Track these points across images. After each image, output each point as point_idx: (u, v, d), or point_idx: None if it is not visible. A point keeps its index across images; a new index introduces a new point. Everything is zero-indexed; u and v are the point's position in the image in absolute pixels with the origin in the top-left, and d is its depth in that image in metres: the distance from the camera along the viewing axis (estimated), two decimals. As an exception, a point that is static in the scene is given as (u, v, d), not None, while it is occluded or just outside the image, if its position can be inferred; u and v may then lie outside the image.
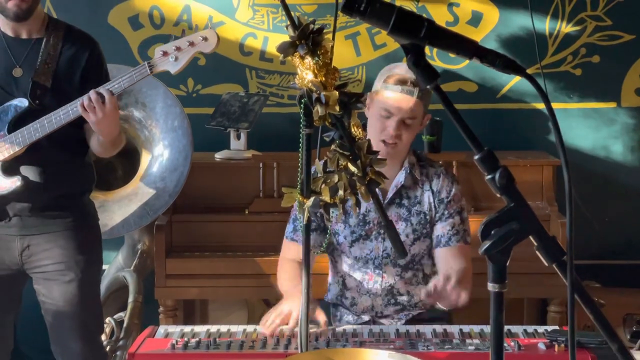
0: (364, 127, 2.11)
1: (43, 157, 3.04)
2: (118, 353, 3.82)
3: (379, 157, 2.02)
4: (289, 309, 2.68)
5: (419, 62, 1.42)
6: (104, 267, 3.68)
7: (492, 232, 1.42)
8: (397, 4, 4.46)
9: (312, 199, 1.99)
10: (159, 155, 3.93)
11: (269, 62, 4.45)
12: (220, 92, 4.35)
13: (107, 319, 3.84)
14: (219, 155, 4.16)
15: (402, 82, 2.86)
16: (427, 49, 1.44)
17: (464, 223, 2.98)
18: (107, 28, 4.40)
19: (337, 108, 1.92)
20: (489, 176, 1.42)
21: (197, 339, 2.57)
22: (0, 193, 3.01)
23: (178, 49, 2.87)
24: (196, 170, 3.94)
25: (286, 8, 1.96)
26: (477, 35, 4.38)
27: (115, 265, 4.22)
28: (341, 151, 1.98)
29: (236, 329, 2.71)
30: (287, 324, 2.66)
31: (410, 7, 4.38)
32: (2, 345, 3.23)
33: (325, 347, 2.52)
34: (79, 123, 3.04)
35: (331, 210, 2.01)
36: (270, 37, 4.42)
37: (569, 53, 4.44)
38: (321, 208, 1.99)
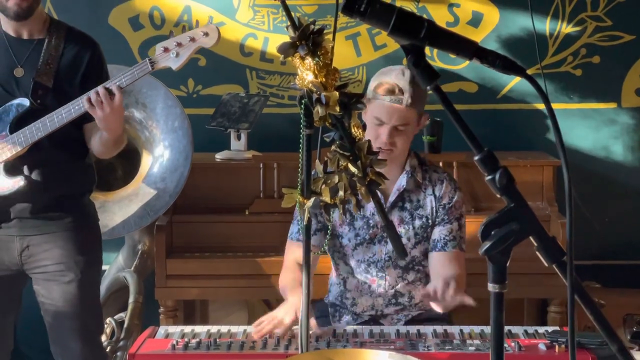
0: (364, 128, 2.12)
1: (44, 158, 3.04)
2: (118, 353, 3.82)
3: (378, 158, 2.02)
4: (282, 316, 2.68)
5: (419, 63, 1.42)
6: (105, 267, 3.68)
7: (492, 232, 1.42)
8: (398, 4, 4.47)
9: (312, 199, 1.99)
10: (160, 156, 3.94)
11: (269, 62, 4.46)
12: (220, 93, 4.35)
13: (108, 320, 3.84)
14: (219, 156, 4.16)
15: (391, 92, 2.86)
16: (427, 50, 1.44)
17: (461, 230, 2.99)
18: (108, 29, 4.41)
19: (338, 109, 1.92)
20: (489, 177, 1.42)
21: (197, 340, 2.57)
22: (3, 193, 3.01)
23: (179, 44, 2.87)
24: (197, 170, 3.94)
25: (286, 9, 1.96)
26: (478, 35, 4.39)
27: (116, 266, 4.22)
28: (341, 152, 1.98)
29: (236, 329, 2.71)
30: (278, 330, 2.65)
31: (411, 7, 4.38)
32: (2, 345, 3.23)
33: (325, 347, 2.52)
34: (81, 123, 3.04)
35: (331, 210, 2.01)
36: (271, 38, 4.42)
37: (570, 53, 4.44)
38: (321, 209, 1.99)
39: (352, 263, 3.00)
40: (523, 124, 4.44)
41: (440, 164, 3.19)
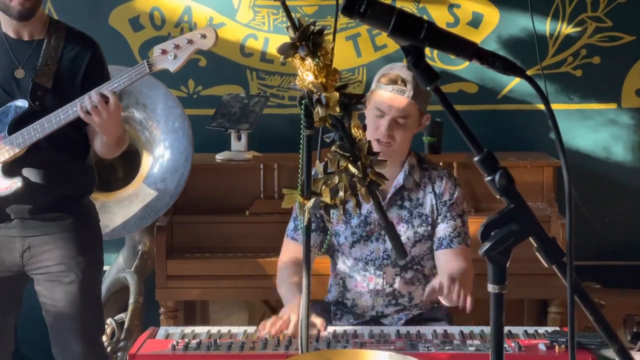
0: (364, 129, 2.12)
1: (43, 159, 3.04)
2: (119, 354, 3.83)
3: (379, 158, 2.02)
4: (288, 315, 2.68)
5: (418, 64, 1.42)
6: (105, 268, 3.68)
7: (492, 233, 1.42)
8: (398, 5, 4.47)
9: (312, 200, 1.99)
10: (160, 157, 3.94)
11: (269, 63, 4.46)
12: (220, 93, 4.35)
13: (108, 320, 3.84)
14: (219, 157, 4.17)
15: (393, 81, 2.88)
16: (427, 50, 1.44)
17: (464, 226, 3.00)
18: (108, 29, 4.41)
19: (338, 109, 1.92)
20: (489, 177, 1.42)
21: (197, 340, 2.57)
22: (2, 194, 3.02)
23: (177, 47, 2.87)
24: (197, 171, 3.95)
25: (287, 9, 1.96)
26: (478, 36, 4.39)
27: (116, 267, 4.22)
28: (341, 152, 1.98)
29: (237, 329, 2.71)
30: (286, 329, 2.65)
31: (411, 8, 4.38)
32: (3, 346, 3.23)
33: (325, 347, 2.52)
34: (80, 124, 3.04)
35: (331, 211, 2.01)
36: (271, 38, 4.42)
37: (570, 54, 4.44)
38: (321, 209, 2.00)
39: (350, 262, 3.00)
40: (523, 124, 4.44)
41: (440, 164, 3.18)
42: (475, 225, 3.08)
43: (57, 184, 3.07)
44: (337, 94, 1.91)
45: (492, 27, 4.43)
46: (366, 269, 2.99)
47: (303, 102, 1.95)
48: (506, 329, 2.65)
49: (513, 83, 4.44)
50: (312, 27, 1.92)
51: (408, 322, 2.96)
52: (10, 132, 2.97)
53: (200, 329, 2.74)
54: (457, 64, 4.41)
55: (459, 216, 2.98)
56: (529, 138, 4.41)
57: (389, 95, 2.87)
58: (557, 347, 2.47)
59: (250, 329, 2.70)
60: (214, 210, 4.02)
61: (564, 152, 1.42)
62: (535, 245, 1.44)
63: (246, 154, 4.13)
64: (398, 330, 2.70)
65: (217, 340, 2.56)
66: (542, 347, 2.50)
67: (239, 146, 4.15)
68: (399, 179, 2.97)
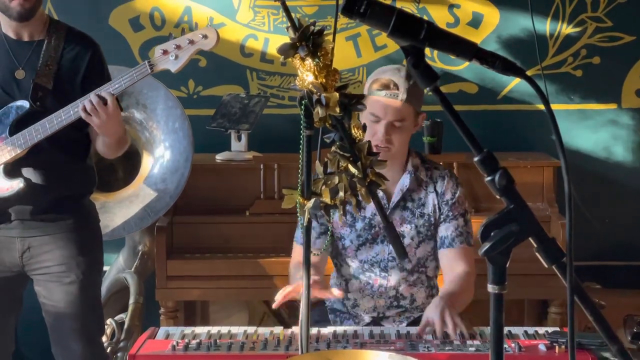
0: (364, 129, 2.11)
1: (44, 159, 3.04)
2: (119, 354, 3.83)
3: (379, 159, 2.02)
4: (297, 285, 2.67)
5: (418, 64, 1.42)
6: (105, 268, 3.69)
7: (492, 233, 1.42)
8: (398, 4, 4.48)
9: (312, 200, 1.99)
10: (160, 157, 3.94)
11: (269, 63, 4.46)
12: (221, 94, 4.36)
13: (108, 320, 3.84)
14: (219, 157, 4.17)
15: (386, 86, 2.87)
16: (427, 51, 1.44)
17: (467, 225, 2.99)
18: (108, 29, 4.41)
19: (338, 109, 1.92)
20: (489, 178, 1.42)
21: (197, 340, 2.57)
22: (3, 195, 3.02)
23: (178, 47, 2.87)
24: (197, 171, 3.95)
25: (287, 9, 1.97)
26: (478, 36, 4.39)
27: (116, 267, 4.22)
28: (341, 153, 1.98)
29: (237, 330, 2.71)
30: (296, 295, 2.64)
31: (411, 8, 4.38)
32: (3, 346, 3.23)
33: (325, 348, 2.52)
34: (81, 125, 3.04)
35: (331, 212, 2.01)
36: (271, 39, 4.42)
37: (570, 54, 4.44)
38: (321, 209, 1.99)
39: (355, 264, 3.00)
40: (523, 124, 4.44)
41: (441, 164, 3.18)
42: (475, 225, 3.09)
43: (58, 185, 3.08)
44: (337, 94, 1.91)
45: (492, 28, 4.43)
46: (371, 271, 2.99)
47: (303, 102, 1.95)
48: (506, 329, 2.64)
49: (513, 83, 4.44)
50: (312, 28, 1.92)
51: (409, 325, 2.96)
52: (12, 133, 2.98)
53: (200, 329, 2.74)
54: (457, 64, 4.41)
55: (461, 215, 2.98)
56: (529, 138, 4.41)
57: (382, 100, 2.86)
58: (557, 347, 2.47)
59: (251, 329, 2.70)
60: (214, 210, 4.02)
61: (564, 152, 1.42)
62: (535, 245, 1.44)
63: (246, 154, 4.13)
64: (398, 331, 2.70)
65: (217, 341, 2.55)
66: (542, 347, 2.49)
67: (239, 146, 4.15)
68: (405, 181, 2.96)
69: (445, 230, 2.97)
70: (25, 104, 2.99)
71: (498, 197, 1.43)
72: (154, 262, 3.93)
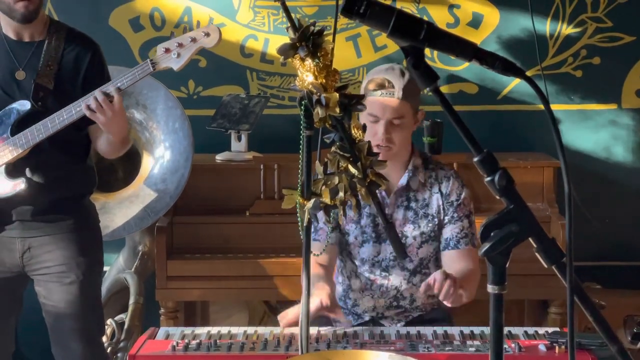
0: (364, 129, 2.12)
1: (45, 160, 3.04)
2: (119, 354, 3.83)
3: (379, 159, 2.02)
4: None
5: (418, 65, 1.42)
6: (105, 268, 3.68)
7: (492, 234, 1.42)
8: (398, 5, 4.47)
9: (312, 200, 2.00)
10: (160, 157, 3.94)
11: (269, 63, 4.46)
12: (221, 94, 4.36)
13: (108, 321, 3.84)
14: (219, 157, 4.16)
15: (381, 85, 2.88)
16: (427, 51, 1.44)
17: (472, 226, 2.99)
18: (108, 30, 4.41)
19: (338, 110, 1.92)
20: (489, 178, 1.42)
21: (197, 341, 2.57)
22: (5, 195, 3.01)
23: (180, 45, 2.87)
24: (197, 171, 3.94)
25: (286, 10, 1.97)
26: (478, 37, 4.39)
27: (116, 267, 4.22)
28: (341, 153, 1.98)
29: (237, 330, 2.71)
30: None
31: (411, 8, 4.38)
32: (3, 347, 3.23)
33: (325, 348, 2.53)
34: (81, 125, 3.04)
35: (331, 212, 2.01)
36: (271, 39, 4.42)
37: (570, 54, 4.44)
38: (321, 209, 2.00)
39: (357, 261, 3.00)
40: (523, 125, 4.44)
41: (450, 167, 3.17)
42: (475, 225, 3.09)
43: (58, 185, 3.08)
44: (337, 94, 1.92)
45: (492, 28, 4.43)
46: (372, 270, 2.99)
47: (303, 102, 1.95)
48: (506, 329, 2.64)
49: (513, 84, 4.44)
50: (312, 28, 1.92)
51: (408, 324, 2.96)
52: (13, 133, 2.98)
53: (200, 330, 2.74)
54: (457, 64, 4.41)
55: (466, 217, 2.98)
56: (529, 138, 4.41)
57: (379, 99, 2.87)
58: (557, 347, 2.47)
59: (250, 330, 2.70)
60: (214, 210, 4.02)
61: (564, 152, 1.42)
62: (535, 245, 1.44)
63: (246, 154, 4.13)
64: (398, 331, 2.70)
65: (217, 341, 2.56)
66: (542, 347, 2.49)
67: (239, 147, 4.15)
68: (403, 180, 2.97)
69: (450, 232, 2.96)
70: (26, 104, 2.99)
71: (498, 197, 1.43)
72: (154, 263, 3.93)
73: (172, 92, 3.99)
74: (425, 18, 1.46)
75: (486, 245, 1.41)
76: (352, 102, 1.95)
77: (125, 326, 3.88)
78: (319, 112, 1.91)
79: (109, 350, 3.71)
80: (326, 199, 2.00)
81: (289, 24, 1.94)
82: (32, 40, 3.07)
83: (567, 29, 4.42)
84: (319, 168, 2.03)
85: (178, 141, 3.90)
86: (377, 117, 2.87)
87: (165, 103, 3.94)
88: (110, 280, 4.16)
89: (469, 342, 2.54)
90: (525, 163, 4.10)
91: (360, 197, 2.00)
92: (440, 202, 2.98)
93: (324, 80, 1.93)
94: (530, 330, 2.70)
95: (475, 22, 4.43)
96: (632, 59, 4.45)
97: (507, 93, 4.47)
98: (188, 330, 2.73)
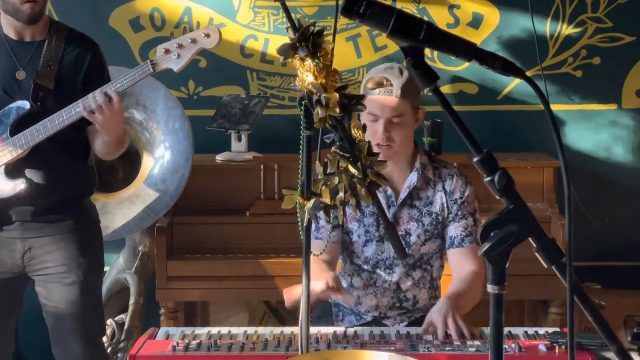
0: (364, 129, 2.12)
1: (45, 160, 3.04)
2: (119, 355, 3.83)
3: (379, 159, 2.02)
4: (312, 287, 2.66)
5: (418, 65, 1.42)
6: (105, 269, 3.69)
7: (492, 233, 1.42)
8: (398, 5, 4.47)
9: (312, 200, 2.00)
10: (160, 157, 3.94)
11: (269, 64, 4.46)
12: (221, 94, 4.36)
13: (108, 321, 3.84)
14: (220, 157, 4.17)
15: (379, 84, 2.88)
16: (427, 51, 1.44)
17: (476, 224, 2.99)
18: (108, 30, 4.41)
19: (338, 110, 1.92)
20: (488, 178, 1.42)
21: (198, 341, 2.57)
22: (4, 196, 3.01)
23: (180, 46, 2.87)
24: (197, 172, 3.95)
25: (286, 10, 1.97)
26: (478, 37, 4.39)
27: (117, 267, 4.22)
28: (341, 153, 1.98)
29: (237, 330, 2.71)
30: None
31: (411, 8, 4.38)
32: (4, 347, 3.24)
33: (325, 348, 2.52)
34: (81, 126, 3.04)
35: (331, 212, 2.01)
36: (271, 39, 4.43)
37: (570, 55, 4.44)
38: (321, 210, 2.00)
39: (360, 260, 3.00)
40: (523, 125, 4.44)
41: (454, 164, 3.17)
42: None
43: (58, 185, 3.08)
44: (337, 94, 1.91)
45: (492, 28, 4.43)
46: (376, 269, 2.99)
47: (303, 102, 1.95)
48: (506, 329, 2.64)
49: (513, 84, 4.44)
50: (312, 28, 1.92)
51: (411, 324, 2.96)
52: (12, 133, 2.98)
53: (201, 330, 2.74)
54: (457, 64, 4.41)
55: (470, 215, 2.98)
56: (530, 139, 4.41)
57: (378, 98, 2.87)
58: (557, 348, 2.46)
59: (251, 330, 2.70)
60: (215, 211, 4.02)
61: (563, 152, 1.42)
62: (534, 245, 1.44)
63: (246, 154, 4.13)
64: (398, 331, 2.70)
65: (218, 341, 2.55)
66: (542, 348, 2.49)
67: (239, 147, 4.15)
68: (412, 179, 2.96)
69: (455, 230, 2.96)
70: (25, 104, 2.99)
71: (498, 197, 1.43)
72: (154, 263, 3.93)
73: (172, 92, 3.99)
74: (425, 18, 1.46)
75: (486, 245, 1.41)
76: (352, 102, 1.94)
77: (126, 326, 3.88)
78: (319, 112, 1.91)
79: (109, 350, 3.71)
80: (326, 199, 2.00)
81: (289, 24, 1.94)
82: (33, 40, 3.07)
83: (567, 29, 4.43)
84: (318, 168, 2.03)
85: (178, 141, 3.90)
86: (377, 116, 2.88)
87: (165, 103, 3.94)
88: (110, 281, 4.16)
89: (469, 342, 2.54)
90: (525, 163, 4.10)
91: (360, 197, 2.00)
92: (444, 200, 2.98)
93: (324, 81, 1.92)
94: (530, 330, 2.70)
95: (475, 22, 4.43)
96: (632, 59, 4.46)
97: (507, 93, 4.47)
98: (188, 331, 2.73)
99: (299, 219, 2.03)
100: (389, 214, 2.95)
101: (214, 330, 2.72)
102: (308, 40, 1.92)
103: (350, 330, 2.71)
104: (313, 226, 2.98)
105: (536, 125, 4.40)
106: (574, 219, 1.43)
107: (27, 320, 3.54)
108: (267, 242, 3.91)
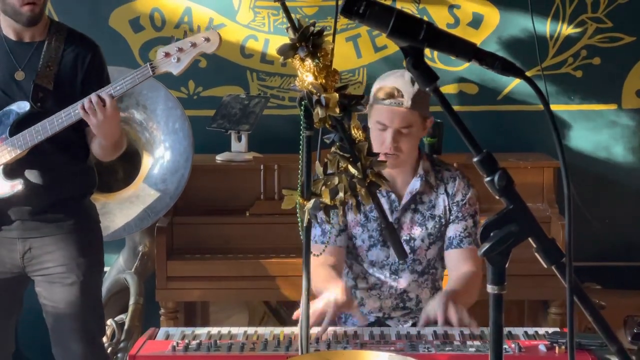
0: (364, 129, 2.12)
1: (45, 161, 3.04)
2: (119, 355, 3.83)
3: (380, 160, 2.02)
4: (323, 307, 2.65)
5: (418, 65, 1.42)
6: (105, 269, 3.68)
7: (492, 234, 1.42)
8: (398, 5, 4.47)
9: (312, 201, 2.00)
10: (160, 158, 3.94)
11: (269, 64, 4.46)
12: (221, 94, 4.36)
13: (108, 321, 3.84)
14: (220, 157, 4.17)
15: (390, 95, 2.86)
16: (427, 51, 1.44)
17: (476, 226, 2.98)
18: (108, 30, 4.41)
19: (337, 110, 1.92)
20: (488, 178, 1.42)
21: (197, 341, 2.57)
22: (3, 196, 3.02)
23: (180, 50, 2.87)
24: (197, 172, 3.95)
25: (286, 10, 1.97)
26: (478, 37, 4.39)
27: (117, 268, 4.22)
28: (341, 153, 1.98)
29: (237, 330, 2.71)
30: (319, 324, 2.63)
31: (411, 9, 4.38)
32: (4, 347, 3.24)
33: (325, 348, 2.52)
34: (81, 126, 3.04)
35: (331, 212, 2.01)
36: (271, 39, 4.42)
37: (570, 55, 4.44)
38: (321, 210, 2.00)
39: (365, 264, 3.00)
40: (523, 125, 4.44)
41: (456, 166, 3.17)
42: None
43: (58, 186, 3.08)
44: (337, 95, 1.91)
45: (492, 28, 4.43)
46: (381, 272, 2.99)
47: (303, 103, 1.95)
48: (506, 329, 2.64)
49: (513, 84, 4.44)
50: (311, 28, 1.92)
51: (414, 325, 2.96)
52: (12, 134, 2.98)
53: (201, 330, 2.74)
54: (457, 64, 4.41)
55: (471, 216, 2.98)
56: (530, 139, 4.41)
57: (387, 109, 2.86)
58: (557, 348, 2.46)
59: (251, 330, 2.70)
60: (214, 211, 4.02)
61: (563, 152, 1.42)
62: (534, 246, 1.44)
63: (246, 155, 4.13)
64: (398, 331, 2.70)
65: (217, 341, 2.55)
66: (542, 348, 2.49)
67: (239, 147, 4.15)
68: (415, 185, 2.96)
69: (454, 231, 2.96)
70: (25, 104, 2.99)
71: (497, 197, 1.43)
72: (154, 263, 3.93)
73: (172, 93, 3.99)
74: (425, 18, 1.46)
75: (486, 246, 1.41)
76: (351, 103, 1.95)
77: (126, 326, 3.88)
78: (318, 112, 1.91)
79: (109, 350, 3.71)
80: (326, 199, 2.00)
81: (289, 25, 1.94)
82: (33, 40, 3.07)
83: (567, 30, 4.43)
84: (318, 168, 2.03)
85: (178, 141, 3.90)
86: (385, 126, 2.87)
87: (166, 103, 3.94)
88: (110, 281, 4.16)
89: (469, 343, 2.54)
90: (525, 163, 4.10)
91: (360, 197, 2.00)
92: (447, 203, 2.98)
93: (323, 81, 1.93)
94: (530, 330, 2.70)
95: (475, 23, 4.43)
96: (632, 59, 4.45)
97: (507, 93, 4.47)
98: (188, 331, 2.73)
99: (299, 219, 2.03)
100: (392, 219, 2.95)
101: (214, 330, 2.72)
102: (308, 41, 1.92)
103: (350, 330, 2.71)
104: (319, 230, 2.97)
105: (536, 125, 4.39)
106: (574, 219, 1.43)
107: (27, 320, 3.54)
108: (267, 242, 3.91)
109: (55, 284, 3.11)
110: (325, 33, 1.94)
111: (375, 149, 2.80)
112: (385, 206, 2.94)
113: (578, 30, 4.43)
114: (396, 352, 2.39)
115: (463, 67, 4.43)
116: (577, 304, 1.42)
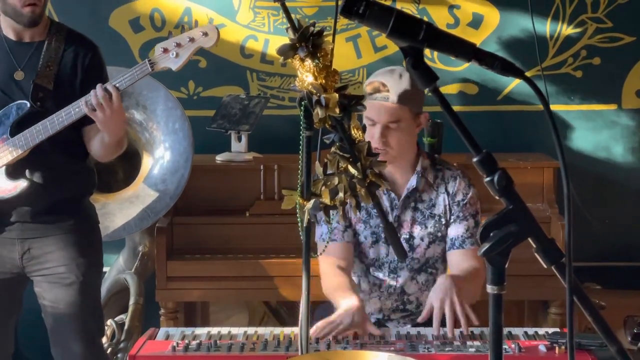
0: (364, 130, 2.12)
1: (45, 161, 3.04)
2: (119, 355, 3.83)
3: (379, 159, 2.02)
4: (339, 320, 2.64)
5: (417, 65, 1.42)
6: (105, 269, 3.69)
7: (491, 234, 1.42)
8: (398, 5, 4.47)
9: (312, 201, 2.00)
10: (160, 158, 3.94)
11: (269, 64, 4.46)
12: (221, 95, 4.36)
13: (108, 321, 3.84)
14: (219, 158, 4.17)
15: (376, 89, 2.87)
16: (427, 51, 1.44)
17: (477, 226, 2.98)
18: (108, 30, 4.41)
19: (337, 110, 1.92)
20: (488, 178, 1.42)
21: (197, 341, 2.57)
22: (5, 196, 3.01)
23: (178, 45, 2.86)
24: (197, 172, 3.95)
25: (286, 10, 1.97)
26: (478, 37, 4.39)
27: (116, 268, 4.22)
28: (341, 153, 1.98)
29: (237, 331, 2.71)
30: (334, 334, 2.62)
31: (411, 9, 4.38)
32: (3, 347, 3.23)
33: (325, 348, 2.53)
34: (78, 126, 3.04)
35: (331, 212, 2.02)
36: (271, 40, 4.42)
37: (570, 55, 4.44)
38: (321, 210, 2.00)
39: (366, 262, 3.00)
40: (523, 125, 4.44)
41: (457, 166, 3.16)
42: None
43: (58, 186, 3.08)
44: (337, 95, 1.92)
45: (492, 28, 4.43)
46: (380, 271, 2.99)
47: (303, 103, 1.95)
48: (506, 330, 2.64)
49: (514, 84, 4.44)
50: (311, 28, 1.92)
51: (414, 327, 2.96)
52: (13, 134, 2.98)
53: (201, 330, 2.74)
54: (457, 64, 4.41)
55: (472, 216, 2.98)
56: (530, 139, 4.41)
57: (375, 104, 2.86)
58: (557, 348, 2.47)
59: (251, 330, 2.70)
60: (214, 211, 4.02)
61: (563, 153, 1.42)
62: (534, 246, 1.44)
63: (246, 155, 4.13)
64: (398, 331, 2.70)
65: (217, 342, 2.56)
66: (542, 348, 2.50)
67: (239, 147, 4.15)
68: (412, 182, 2.96)
69: (456, 232, 2.96)
70: (25, 104, 2.99)
71: (497, 197, 1.43)
72: (154, 263, 3.93)
73: (172, 93, 3.99)
74: (425, 18, 1.46)
75: (485, 246, 1.42)
76: (351, 103, 1.95)
77: (126, 327, 3.88)
78: (318, 112, 1.91)
79: (109, 351, 3.71)
80: (326, 199, 2.00)
81: (289, 25, 1.94)
82: (32, 40, 3.07)
83: (567, 30, 4.42)
84: (318, 169, 2.03)
85: (178, 142, 3.90)
86: (374, 121, 2.87)
87: (165, 104, 3.94)
88: (110, 281, 4.16)
89: (469, 343, 2.54)
90: (525, 163, 4.10)
91: (360, 197, 2.00)
92: (447, 202, 2.98)
93: (323, 81, 1.93)
94: (530, 330, 2.70)
95: (475, 23, 4.43)
96: (632, 59, 4.45)
97: (507, 93, 4.47)
98: (188, 331, 2.73)
99: (299, 220, 2.03)
100: (392, 217, 2.95)
101: (214, 330, 2.72)
102: (308, 41, 1.92)
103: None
104: (325, 229, 2.97)
105: (536, 125, 4.39)
106: (574, 219, 1.43)
107: (27, 320, 3.54)
108: (267, 242, 3.91)
109: (55, 284, 3.11)
110: (325, 33, 1.94)
111: None
112: (386, 204, 2.94)
113: (578, 30, 4.43)
114: (396, 352, 2.39)
115: (463, 67, 4.42)
116: (577, 304, 1.42)
